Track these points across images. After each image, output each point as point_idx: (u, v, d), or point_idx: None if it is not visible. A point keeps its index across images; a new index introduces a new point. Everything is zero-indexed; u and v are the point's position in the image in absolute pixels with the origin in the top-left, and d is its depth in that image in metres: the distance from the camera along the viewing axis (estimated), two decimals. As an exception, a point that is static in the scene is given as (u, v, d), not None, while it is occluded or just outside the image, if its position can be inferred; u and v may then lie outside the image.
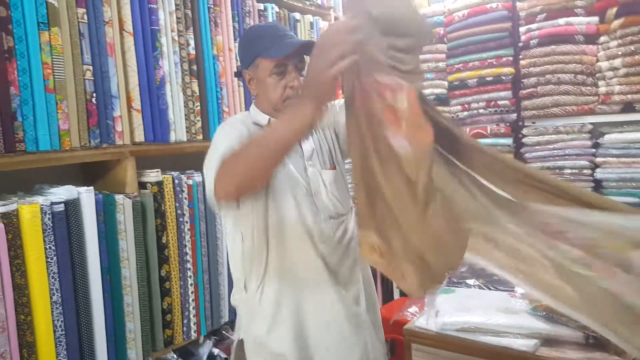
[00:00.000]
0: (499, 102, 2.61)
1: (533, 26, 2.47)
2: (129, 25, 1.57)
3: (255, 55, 1.39)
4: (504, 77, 2.58)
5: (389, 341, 2.55)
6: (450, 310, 1.59)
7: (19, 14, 1.31)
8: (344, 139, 1.58)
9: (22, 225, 1.26)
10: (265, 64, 1.37)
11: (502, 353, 1.39)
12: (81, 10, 1.46)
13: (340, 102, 1.40)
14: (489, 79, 2.61)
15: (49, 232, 1.31)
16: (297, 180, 1.46)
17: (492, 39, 2.57)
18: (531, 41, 2.48)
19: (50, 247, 1.31)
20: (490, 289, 1.81)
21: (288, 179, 1.44)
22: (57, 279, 1.32)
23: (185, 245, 1.72)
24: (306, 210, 1.44)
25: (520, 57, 2.53)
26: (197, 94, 1.83)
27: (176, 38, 1.74)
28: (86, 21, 1.46)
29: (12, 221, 1.24)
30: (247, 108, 2.06)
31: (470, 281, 1.88)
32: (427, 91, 2.80)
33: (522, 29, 2.51)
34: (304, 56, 1.39)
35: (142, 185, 1.62)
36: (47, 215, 1.30)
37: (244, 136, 1.36)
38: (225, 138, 1.33)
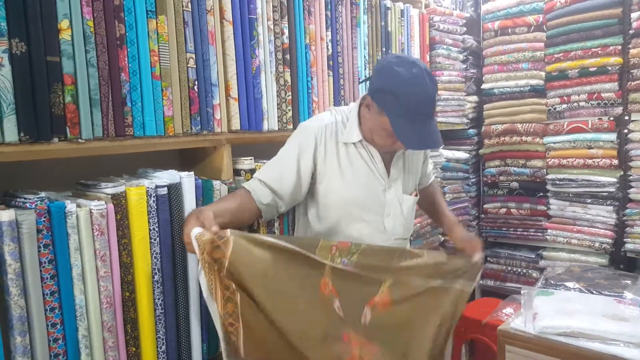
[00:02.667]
0: (603, 95, 2.43)
1: (647, 12, 2.27)
2: (228, 14, 1.60)
3: (383, 106, 1.41)
4: (609, 68, 2.40)
5: (468, 341, 2.46)
6: (551, 314, 1.50)
7: (130, 2, 1.36)
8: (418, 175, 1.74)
9: (130, 207, 1.31)
10: (385, 120, 1.41)
11: (610, 362, 1.29)
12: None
13: None
14: (592, 69, 2.44)
15: (153, 214, 1.35)
16: (372, 200, 1.56)
17: (598, 26, 2.39)
18: (644, 28, 2.28)
19: (153, 229, 1.36)
20: (592, 293, 1.69)
21: (363, 197, 1.55)
22: (159, 259, 1.37)
23: (274, 231, 1.74)
24: (374, 230, 1.56)
25: (631, 45, 2.34)
26: (289, 83, 1.84)
27: (272, 27, 1.74)
28: (190, 9, 1.49)
29: (120, 202, 1.30)
30: (335, 99, 2.04)
31: (570, 284, 1.77)
32: (522, 82, 2.66)
33: (634, 15, 2.31)
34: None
35: (236, 172, 1.65)
36: (152, 198, 1.35)
37: (297, 168, 1.50)
38: (279, 164, 1.53)
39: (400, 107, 1.37)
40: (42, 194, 1.18)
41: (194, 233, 1.25)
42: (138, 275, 1.33)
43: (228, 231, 1.28)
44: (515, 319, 1.56)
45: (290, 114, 1.85)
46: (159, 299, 1.37)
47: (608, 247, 2.55)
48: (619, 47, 2.37)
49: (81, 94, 1.24)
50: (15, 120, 1.12)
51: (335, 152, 1.53)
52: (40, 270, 1.15)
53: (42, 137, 1.18)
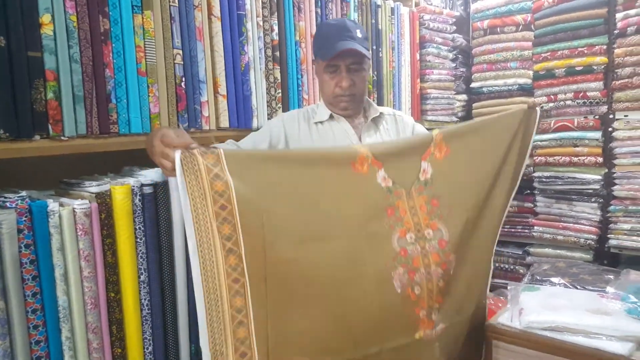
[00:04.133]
0: (589, 94, 2.45)
1: (631, 12, 2.30)
2: (217, 10, 1.57)
3: (314, 53, 1.60)
4: (595, 67, 2.42)
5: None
6: (537, 309, 1.51)
7: (115, -3, 1.33)
8: None
9: (114, 206, 1.28)
10: (320, 63, 1.55)
11: (593, 355, 1.31)
12: (172, -5, 1.46)
13: None
14: (578, 68, 2.45)
15: (138, 213, 1.33)
16: None
17: (584, 25, 2.41)
18: (628, 28, 2.31)
19: (139, 228, 1.33)
20: (577, 288, 1.71)
21: None
22: (145, 259, 1.34)
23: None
24: None
25: (615, 45, 2.36)
26: (279, 80, 1.82)
27: (261, 23, 1.72)
28: (177, 4, 1.47)
29: (105, 201, 1.27)
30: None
31: (555, 279, 1.78)
32: (510, 80, 2.67)
33: (618, 15, 2.33)
34: (363, 55, 1.50)
35: (224, 170, 1.62)
36: (137, 197, 1.32)
37: (269, 137, 1.52)
38: (252, 136, 1.54)
39: (320, 40, 1.54)
40: (23, 193, 1.15)
41: (178, 157, 1.07)
42: (123, 276, 1.30)
43: (221, 150, 1.11)
44: (502, 314, 1.57)
45: (280, 111, 1.83)
46: (145, 299, 1.35)
47: (593, 243, 2.57)
48: (604, 47, 2.39)
49: (64, 90, 1.21)
50: (-5, 117, 1.09)
51: (308, 132, 1.58)
52: (22, 271, 1.11)
53: (23, 134, 1.15)
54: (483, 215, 1.45)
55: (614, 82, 2.39)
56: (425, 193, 1.35)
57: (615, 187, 2.48)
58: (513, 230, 2.84)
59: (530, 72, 2.61)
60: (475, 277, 1.49)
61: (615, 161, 2.44)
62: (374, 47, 2.31)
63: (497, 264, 2.94)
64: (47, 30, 1.17)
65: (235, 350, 1.12)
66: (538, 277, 1.82)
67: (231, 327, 1.12)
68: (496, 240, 1.53)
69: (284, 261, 1.17)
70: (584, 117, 2.49)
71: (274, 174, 1.18)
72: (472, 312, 1.48)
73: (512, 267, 2.89)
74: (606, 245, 2.55)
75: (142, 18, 1.38)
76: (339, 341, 1.25)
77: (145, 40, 1.39)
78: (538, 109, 1.49)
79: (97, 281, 1.25)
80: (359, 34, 1.52)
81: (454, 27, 2.84)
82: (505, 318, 1.54)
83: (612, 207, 2.49)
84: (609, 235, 2.52)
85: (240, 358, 1.13)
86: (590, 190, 2.53)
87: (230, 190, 1.10)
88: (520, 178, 1.49)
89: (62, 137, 1.22)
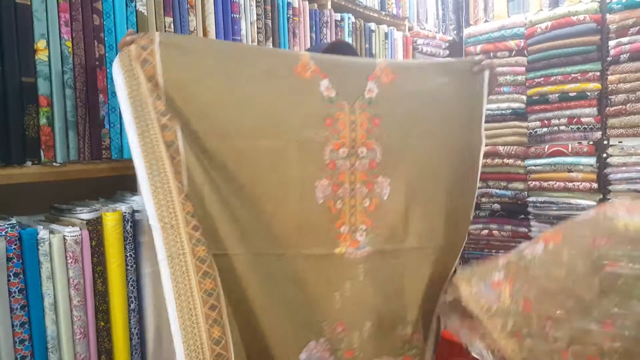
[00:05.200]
0: (582, 119, 2.47)
1: (624, 40, 2.32)
2: (212, 35, 1.58)
3: None
4: (589, 93, 2.43)
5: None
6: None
7: (111, 22, 1.33)
8: None
9: (106, 232, 1.27)
10: None
11: None
12: (168, 19, 1.47)
13: None
14: (572, 94, 2.47)
15: (129, 240, 1.31)
16: None
17: (577, 52, 2.43)
18: (621, 55, 2.33)
19: (130, 255, 1.31)
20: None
21: None
22: (136, 287, 1.32)
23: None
24: None
25: (609, 72, 2.38)
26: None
27: (256, 48, 1.73)
28: (172, 30, 1.47)
29: (96, 228, 1.25)
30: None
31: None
32: (503, 105, 2.68)
33: (611, 43, 2.36)
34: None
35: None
36: (129, 223, 1.30)
37: None
38: None
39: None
40: (13, 220, 1.13)
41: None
42: (114, 304, 1.28)
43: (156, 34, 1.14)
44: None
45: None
46: (135, 328, 1.32)
47: (588, 269, 2.56)
48: (598, 73, 2.41)
49: (57, 116, 1.20)
50: (-14, 144, 1.08)
51: None
52: (10, 301, 1.09)
53: (14, 160, 1.13)
54: (438, 153, 1.47)
55: (607, 108, 2.40)
56: (367, 111, 1.37)
57: (609, 213, 2.47)
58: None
59: (524, 97, 2.62)
60: (432, 215, 1.48)
61: (610, 187, 2.44)
62: (369, 71, 2.32)
63: (492, 288, 2.93)
64: (42, 56, 1.17)
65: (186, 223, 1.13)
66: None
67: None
68: (471, 191, 1.54)
69: (210, 151, 1.19)
70: (578, 143, 2.49)
71: (209, 57, 1.20)
72: (418, 248, 1.47)
73: (507, 291, 2.86)
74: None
75: (138, 44, 1.38)
76: (256, 232, 1.27)
77: (141, 65, 1.38)
78: (487, 71, 1.50)
79: (86, 310, 1.23)
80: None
81: (447, 52, 2.86)
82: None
83: (606, 233, 2.48)
84: (604, 261, 2.51)
85: (192, 230, 1.13)
86: (584, 216, 2.53)
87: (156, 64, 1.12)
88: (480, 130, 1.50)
89: (54, 163, 1.20)
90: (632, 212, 1.17)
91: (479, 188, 2.86)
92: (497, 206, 2.81)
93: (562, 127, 2.52)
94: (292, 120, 1.29)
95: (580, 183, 2.48)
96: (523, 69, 2.62)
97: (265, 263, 1.28)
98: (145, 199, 1.12)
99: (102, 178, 1.36)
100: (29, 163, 1.16)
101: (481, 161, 1.54)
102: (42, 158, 1.18)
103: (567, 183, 2.52)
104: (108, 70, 1.32)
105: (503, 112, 2.69)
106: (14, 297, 1.09)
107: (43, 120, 1.17)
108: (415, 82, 1.44)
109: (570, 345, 1.11)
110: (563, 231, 1.31)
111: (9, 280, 1.09)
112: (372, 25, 2.33)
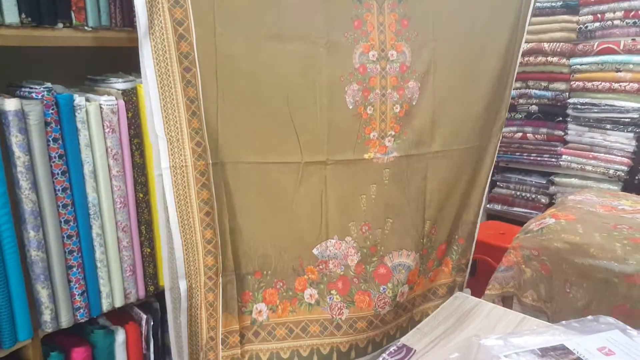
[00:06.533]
0: (640, 13, 2.27)
1: None
2: None
3: None
4: (651, -17, 2.22)
5: (472, 261, 2.47)
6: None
7: None
8: None
9: (141, 105, 1.23)
10: None
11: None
12: None
13: None
14: (632, -16, 2.25)
15: (165, 114, 1.28)
16: None
17: None
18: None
19: (167, 129, 1.29)
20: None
21: None
22: (173, 162, 1.31)
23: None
24: None
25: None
26: None
27: None
28: None
29: (131, 99, 1.22)
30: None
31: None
32: (554, -3, 2.48)
33: None
34: None
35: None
36: (165, 96, 1.27)
37: None
38: None
39: None
40: (49, 84, 1.10)
41: None
42: (151, 177, 1.28)
43: None
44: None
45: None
46: (172, 202, 1.33)
47: (622, 174, 2.49)
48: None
49: (87, -26, 1.12)
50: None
51: None
52: (51, 165, 1.09)
53: (45, 20, 1.08)
54: (470, 54, 1.41)
55: (668, 0, 2.20)
56: (397, 11, 1.31)
57: (655, 117, 2.36)
58: (539, 158, 2.76)
59: (578, -12, 2.42)
60: (460, 118, 1.46)
61: (659, 88, 2.31)
62: None
63: (518, 193, 2.90)
64: None
65: (191, 139, 1.18)
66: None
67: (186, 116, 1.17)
68: (505, 92, 1.49)
69: (235, 57, 1.18)
70: (632, 39, 2.32)
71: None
72: (442, 151, 1.46)
73: (534, 196, 2.83)
74: (636, 177, 2.47)
75: None
76: (285, 142, 1.29)
77: None
78: None
79: (125, 181, 1.23)
80: None
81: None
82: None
83: (649, 137, 2.39)
84: (640, 167, 2.44)
85: (196, 147, 1.19)
86: (627, 119, 2.41)
87: None
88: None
89: (86, 27, 1.14)
90: None
91: (516, 89, 2.75)
92: (534, 108, 2.70)
93: (616, 22, 2.33)
94: (320, 23, 1.23)
95: (627, 84, 2.35)
96: (579, -44, 2.39)
97: (290, 170, 1.31)
98: (155, 111, 1.14)
99: (135, 50, 1.31)
100: (60, 25, 1.11)
101: (519, 59, 1.46)
102: (74, 20, 1.12)
103: (613, 84, 2.39)
104: None
105: (553, 4, 2.50)
106: (54, 162, 1.09)
107: (73, -21, 1.10)
108: None
109: None
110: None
111: (48, 145, 1.08)
112: None
